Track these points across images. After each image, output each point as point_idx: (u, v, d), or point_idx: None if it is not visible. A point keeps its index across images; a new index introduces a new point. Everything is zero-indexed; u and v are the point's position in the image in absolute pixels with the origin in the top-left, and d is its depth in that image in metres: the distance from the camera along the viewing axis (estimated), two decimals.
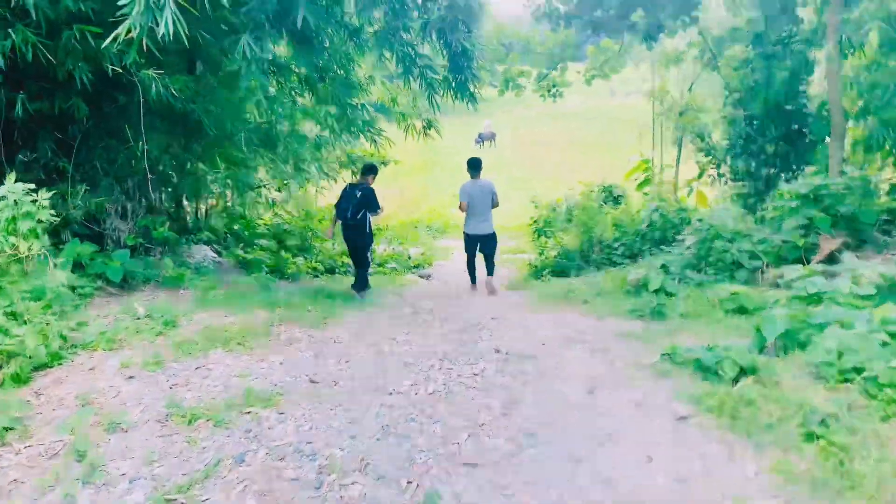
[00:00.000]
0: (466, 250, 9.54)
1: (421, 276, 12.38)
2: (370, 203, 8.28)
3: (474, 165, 9.34)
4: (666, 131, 18.71)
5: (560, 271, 10.21)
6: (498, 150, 38.93)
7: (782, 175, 10.41)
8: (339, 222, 8.45)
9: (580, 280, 8.65)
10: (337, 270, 11.23)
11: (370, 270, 9.22)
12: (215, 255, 9.80)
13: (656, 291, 6.54)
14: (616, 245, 10.21)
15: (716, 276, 7.06)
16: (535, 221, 10.59)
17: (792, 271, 6.24)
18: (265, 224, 11.89)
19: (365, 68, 11.04)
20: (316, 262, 11.49)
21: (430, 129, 11.09)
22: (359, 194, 8.25)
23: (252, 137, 9.61)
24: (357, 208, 8.23)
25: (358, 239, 8.49)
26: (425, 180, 30.16)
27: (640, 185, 10.52)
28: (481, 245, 9.47)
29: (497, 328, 6.46)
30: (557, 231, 11.37)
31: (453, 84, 8.40)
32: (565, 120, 52.21)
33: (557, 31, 10.11)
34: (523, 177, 30.45)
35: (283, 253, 10.54)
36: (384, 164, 14.38)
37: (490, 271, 9.62)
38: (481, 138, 39.55)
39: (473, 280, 9.76)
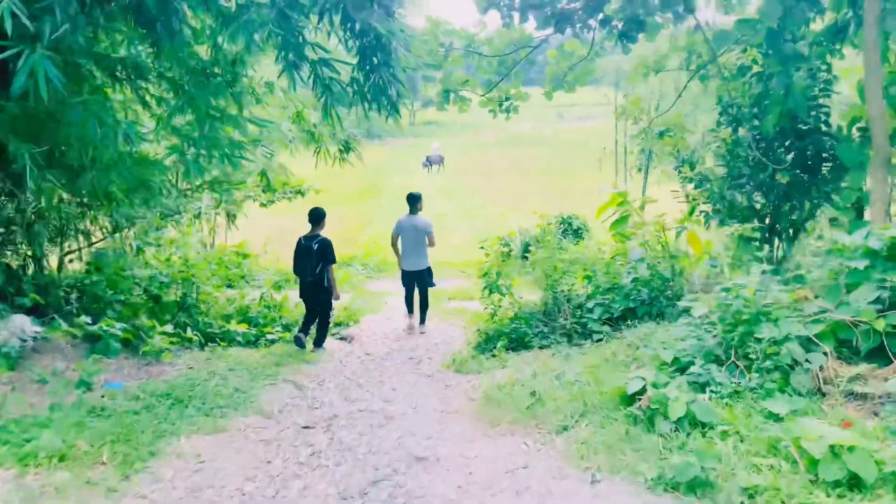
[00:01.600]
0: (404, 285, 9.68)
1: (342, 339, 9.60)
2: (328, 255, 7.95)
3: (412, 200, 9.37)
4: (629, 156, 16.47)
5: (518, 340, 7.58)
6: (446, 174, 36.48)
7: (796, 212, 8.05)
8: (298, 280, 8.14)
9: (548, 368, 6.02)
10: (233, 337, 8.36)
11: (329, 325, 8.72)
12: (38, 329, 6.84)
13: (679, 421, 3.94)
14: (590, 304, 7.65)
15: (760, 380, 4.51)
16: (485, 274, 7.83)
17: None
18: (138, 278, 8.93)
19: (265, 73, 8.32)
20: (202, 325, 8.62)
21: (347, 152, 8.44)
22: (315, 247, 7.90)
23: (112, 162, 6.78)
24: (316, 262, 7.91)
25: (320, 294, 8.14)
26: (368, 207, 27.42)
27: (616, 225, 7.94)
28: (416, 280, 9.51)
29: (421, 487, 3.77)
30: (512, 281, 8.76)
31: (366, 89, 5.75)
32: (515, 145, 50.29)
33: (510, 27, 7.64)
34: (473, 205, 27.99)
35: (145, 319, 7.63)
36: (300, 193, 11.61)
37: (423, 317, 9.71)
38: (429, 162, 37.09)
39: (410, 310, 9.81)
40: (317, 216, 8.10)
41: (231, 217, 10.93)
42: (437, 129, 58.00)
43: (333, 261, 8.02)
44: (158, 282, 8.95)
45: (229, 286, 12.84)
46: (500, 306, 8.25)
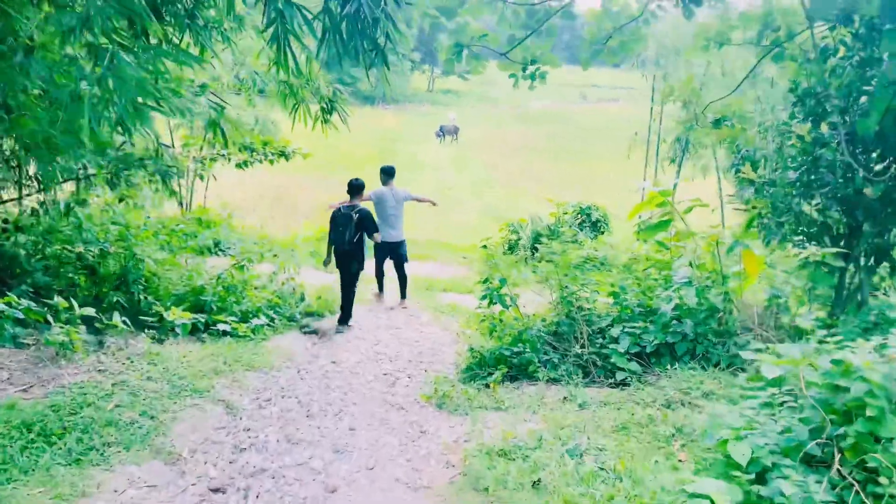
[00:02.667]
0: (377, 258, 9.26)
1: (312, 332, 8.03)
2: (368, 225, 7.90)
3: (388, 173, 9.38)
4: (662, 145, 14.70)
5: (520, 367, 5.97)
6: (459, 147, 34.65)
7: (883, 236, 6.36)
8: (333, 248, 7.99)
9: (558, 424, 4.42)
10: (170, 326, 6.77)
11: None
12: None
13: None
14: (615, 330, 6.01)
15: None
16: (485, 282, 6.16)
17: None
18: (71, 244, 7.33)
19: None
20: (143, 306, 7.06)
21: (329, 113, 6.76)
22: (355, 217, 7.81)
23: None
24: (354, 232, 7.79)
25: (353, 264, 7.97)
26: (374, 174, 25.73)
27: (651, 231, 6.27)
28: (391, 252, 9.24)
29: None
30: (518, 288, 7.15)
31: (341, 27, 4.07)
32: (533, 122, 48.25)
33: None
34: (483, 182, 26.24)
35: (61, 298, 6.03)
36: (283, 155, 9.96)
37: (403, 292, 9.37)
38: (442, 132, 35.22)
39: (381, 288, 9.59)
40: (357, 187, 8.08)
41: (200, 177, 9.29)
42: (454, 98, 55.94)
43: (374, 230, 7.98)
44: (98, 249, 7.37)
45: (201, 253, 11.29)
46: (500, 321, 6.62)
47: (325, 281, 10.65)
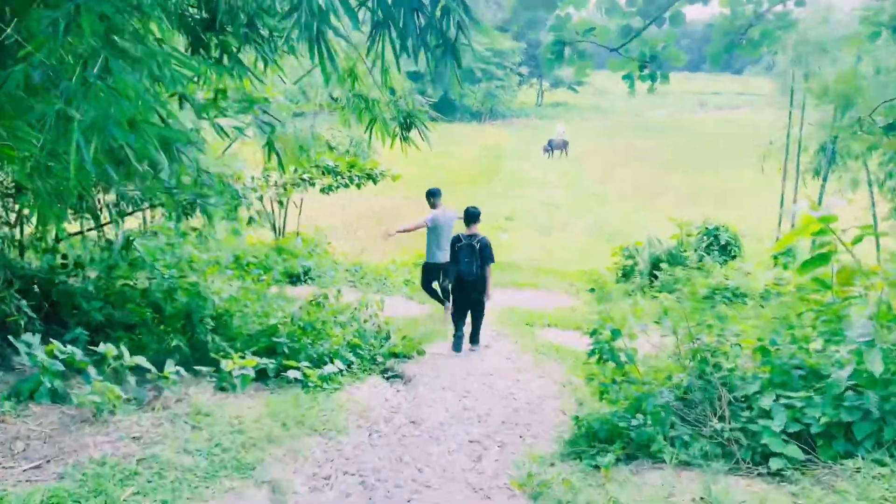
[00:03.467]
0: (425, 278, 9.31)
1: (394, 377, 7.08)
2: (488, 254, 7.93)
3: (434, 195, 9.27)
4: (804, 154, 12.72)
5: (640, 445, 4.69)
6: (569, 161, 33.16)
7: None
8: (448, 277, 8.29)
9: None
10: (224, 377, 6.01)
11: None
12: None
13: None
14: (766, 400, 4.61)
15: None
16: (595, 334, 4.88)
17: None
18: (133, 279, 6.80)
19: None
20: (212, 347, 6.40)
21: (408, 129, 5.81)
22: (478, 246, 7.85)
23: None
24: (480, 261, 7.85)
25: (476, 293, 7.99)
26: (476, 194, 24.75)
27: (809, 266, 4.77)
28: (444, 274, 8.94)
29: None
30: (636, 341, 5.84)
31: (396, 17, 3.07)
32: (649, 133, 45.78)
33: None
34: (594, 198, 24.67)
35: (109, 345, 5.39)
36: (371, 178, 9.17)
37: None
38: (551, 146, 33.88)
39: (446, 298, 9.17)
40: (475, 215, 8.09)
41: (280, 203, 8.67)
42: (564, 111, 54.35)
43: (492, 260, 8.01)
44: (164, 287, 6.79)
45: (292, 282, 10.72)
46: (614, 381, 5.33)
47: (413, 314, 9.72)
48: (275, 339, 6.84)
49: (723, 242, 11.92)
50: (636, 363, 5.22)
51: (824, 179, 11.35)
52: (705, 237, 12.06)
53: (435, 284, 9.25)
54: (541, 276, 13.41)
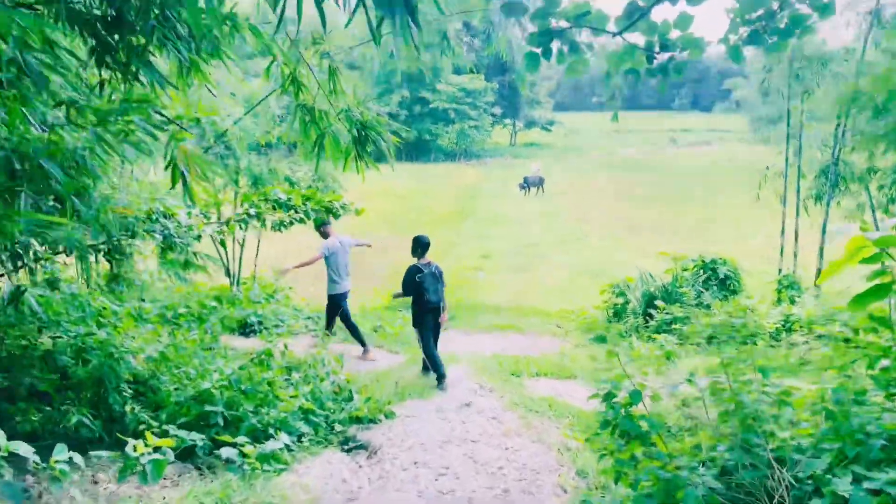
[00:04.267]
0: (334, 310, 8.70)
1: (351, 449, 5.79)
2: (443, 279, 7.86)
3: (326, 224, 8.49)
4: (803, 180, 11.80)
5: None
6: (545, 199, 32.36)
7: None
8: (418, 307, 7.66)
9: None
10: (133, 463, 4.68)
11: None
12: None
13: None
14: (841, 483, 3.45)
15: None
16: (608, 398, 3.63)
17: None
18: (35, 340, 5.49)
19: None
20: (132, 418, 5.08)
21: (363, 145, 4.67)
22: (438, 272, 7.76)
23: None
24: (442, 286, 7.81)
25: (438, 319, 7.83)
26: (455, 232, 23.66)
27: (865, 299, 3.59)
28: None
29: None
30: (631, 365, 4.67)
31: None
32: (623, 170, 45.41)
33: None
34: (573, 235, 23.71)
35: None
36: (331, 212, 8.02)
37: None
38: (527, 183, 33.09)
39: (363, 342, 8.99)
40: (426, 244, 7.82)
41: (221, 243, 7.42)
42: (538, 150, 54.04)
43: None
44: (72, 347, 5.49)
45: (244, 333, 9.43)
46: (632, 457, 4.09)
47: (382, 366, 8.46)
48: (208, 408, 5.54)
49: (721, 276, 10.89)
50: (662, 435, 4.02)
51: (828, 204, 10.43)
52: (702, 271, 11.01)
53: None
54: (523, 317, 12.23)
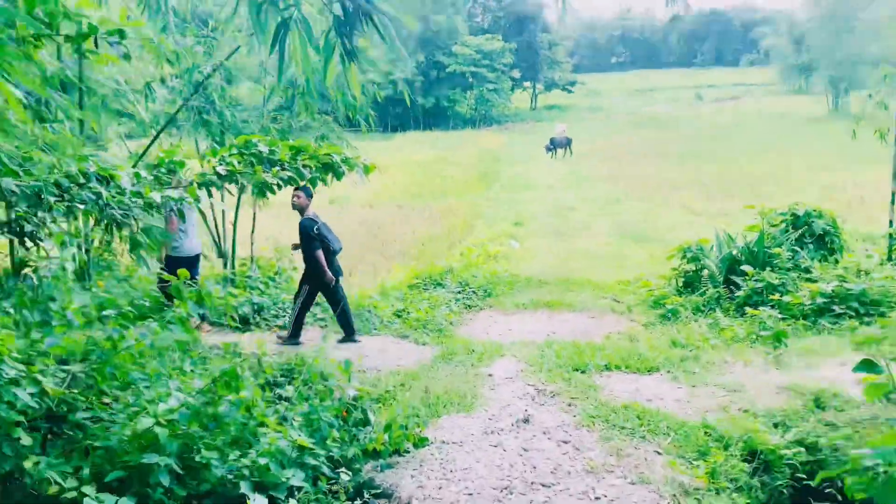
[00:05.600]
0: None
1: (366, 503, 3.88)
2: None
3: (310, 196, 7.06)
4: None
5: None
6: (573, 160, 30.02)
7: None
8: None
9: None
10: None
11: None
12: None
13: None
14: None
15: None
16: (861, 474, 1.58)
17: None
18: None
19: None
20: (35, 472, 3.19)
21: None
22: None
23: None
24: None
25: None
26: (481, 199, 21.52)
27: None
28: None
29: None
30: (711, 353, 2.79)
31: None
32: (651, 127, 42.69)
33: None
34: (610, 196, 21.49)
35: None
36: (332, 170, 6.01)
37: None
38: (553, 145, 30.74)
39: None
40: (312, 195, 6.81)
41: (179, 214, 5.44)
42: (560, 113, 51.35)
43: None
44: None
45: (239, 328, 7.56)
46: None
47: (407, 363, 6.52)
48: (149, 459, 3.62)
49: (817, 232, 8.72)
50: None
51: None
52: (792, 227, 8.85)
53: None
54: (573, 290, 10.18)
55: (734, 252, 8.53)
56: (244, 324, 7.70)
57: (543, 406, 5.34)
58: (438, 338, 7.59)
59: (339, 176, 6.14)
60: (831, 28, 40.66)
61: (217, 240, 8.96)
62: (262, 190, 5.65)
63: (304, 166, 5.67)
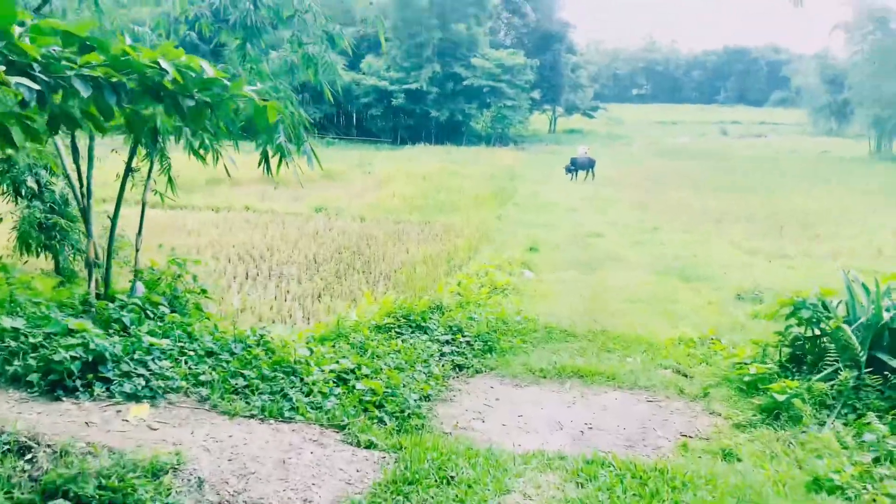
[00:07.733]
0: None
1: None
2: None
3: None
4: None
5: None
6: (596, 184, 26.75)
7: None
8: None
9: None
10: None
11: None
12: None
13: None
14: None
15: None
16: None
17: None
18: None
19: None
20: None
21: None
22: None
23: None
24: None
25: None
26: (491, 218, 18.20)
27: None
28: None
29: None
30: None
31: None
32: (676, 157, 39.39)
33: None
34: (640, 226, 18.20)
35: None
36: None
37: None
38: (575, 166, 27.53)
39: None
40: None
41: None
42: (580, 137, 48.16)
43: None
44: None
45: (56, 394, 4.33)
46: None
47: None
48: None
49: None
50: None
51: None
52: None
53: None
54: (613, 350, 6.88)
55: (887, 315, 5.21)
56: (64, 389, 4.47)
57: None
58: (397, 435, 4.31)
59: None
60: (877, 66, 37.40)
61: (88, 253, 5.76)
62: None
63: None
